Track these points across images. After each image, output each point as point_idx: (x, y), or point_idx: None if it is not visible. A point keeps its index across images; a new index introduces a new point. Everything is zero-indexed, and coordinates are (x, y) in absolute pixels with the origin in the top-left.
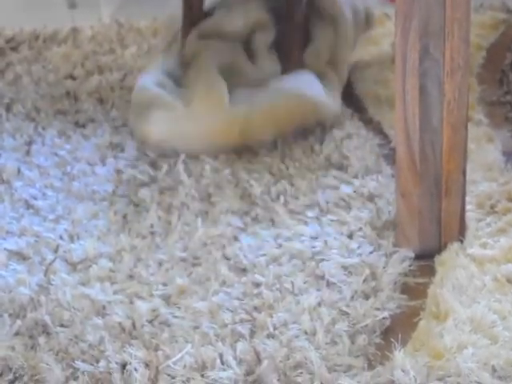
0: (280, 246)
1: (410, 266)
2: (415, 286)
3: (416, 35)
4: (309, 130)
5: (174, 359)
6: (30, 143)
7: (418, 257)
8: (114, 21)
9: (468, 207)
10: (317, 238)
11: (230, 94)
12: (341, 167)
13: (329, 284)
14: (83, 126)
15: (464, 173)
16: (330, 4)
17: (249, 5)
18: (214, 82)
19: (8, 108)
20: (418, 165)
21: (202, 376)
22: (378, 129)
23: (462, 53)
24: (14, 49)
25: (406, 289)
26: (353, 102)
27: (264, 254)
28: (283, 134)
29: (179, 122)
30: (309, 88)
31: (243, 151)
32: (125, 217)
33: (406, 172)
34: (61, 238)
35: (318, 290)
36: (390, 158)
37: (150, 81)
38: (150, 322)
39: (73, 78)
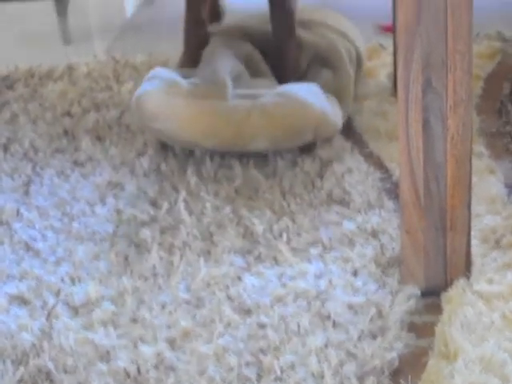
0: (284, 285)
1: (416, 303)
2: (422, 324)
3: (418, 68)
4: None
5: None
6: (28, 183)
7: (424, 294)
8: (109, 57)
9: (473, 242)
10: (321, 276)
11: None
12: (343, 202)
13: (335, 324)
14: (82, 165)
15: (469, 207)
16: (328, 47)
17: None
18: (218, 74)
19: (5, 148)
20: (423, 200)
21: None
22: (378, 162)
23: (464, 85)
24: (10, 87)
25: (413, 327)
26: (352, 135)
27: (268, 294)
28: (278, 144)
29: (176, 109)
30: (313, 98)
31: (243, 189)
32: (126, 258)
33: (410, 207)
34: (62, 280)
35: (325, 330)
36: (392, 192)
37: (161, 71)
38: (155, 366)
39: (70, 115)
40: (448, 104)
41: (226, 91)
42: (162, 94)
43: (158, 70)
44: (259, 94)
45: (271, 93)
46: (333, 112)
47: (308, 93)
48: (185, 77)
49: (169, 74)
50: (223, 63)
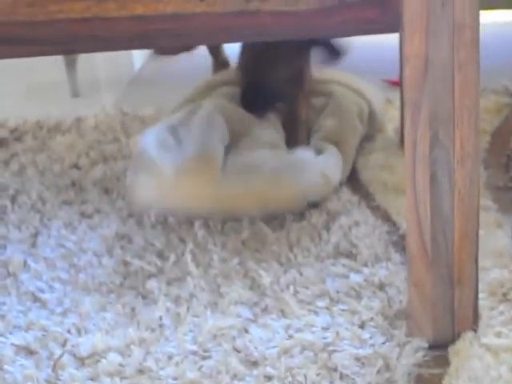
0: (291, 337)
1: (423, 356)
2: (430, 377)
3: (425, 123)
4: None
5: None
6: (35, 235)
7: (431, 347)
8: (117, 110)
9: (480, 295)
10: (328, 328)
11: (229, 153)
12: (350, 255)
13: (342, 376)
14: (89, 217)
15: (476, 261)
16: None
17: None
18: (209, 145)
19: (13, 199)
20: (430, 254)
21: None
22: (385, 216)
23: (471, 141)
24: (18, 139)
25: (420, 380)
26: (359, 188)
27: (275, 346)
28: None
29: (166, 191)
30: (306, 173)
31: (250, 241)
32: (133, 309)
33: (417, 261)
34: (68, 331)
35: (332, 382)
36: (399, 245)
37: (151, 140)
38: None
39: (78, 167)
40: (455, 159)
41: (216, 166)
42: (150, 183)
43: (147, 143)
44: (252, 166)
45: (264, 168)
46: (329, 173)
47: (299, 168)
48: (176, 128)
49: (155, 150)
50: (216, 130)
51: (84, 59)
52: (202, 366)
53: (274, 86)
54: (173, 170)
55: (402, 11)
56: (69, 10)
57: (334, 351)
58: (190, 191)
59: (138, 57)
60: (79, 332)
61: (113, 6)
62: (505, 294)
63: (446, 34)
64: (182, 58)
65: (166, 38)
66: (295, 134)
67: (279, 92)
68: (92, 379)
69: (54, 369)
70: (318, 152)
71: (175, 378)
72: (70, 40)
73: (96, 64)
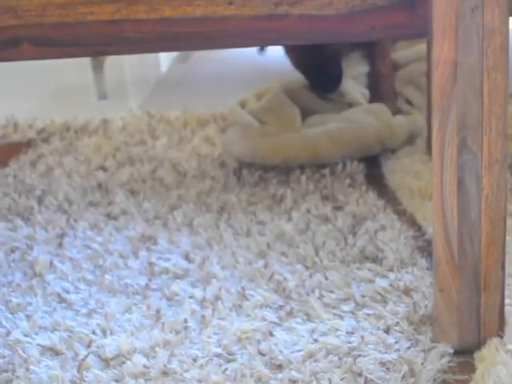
0: (316, 341)
1: (449, 362)
2: (455, 382)
3: (454, 129)
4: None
5: None
6: (62, 236)
7: (456, 352)
8: (144, 112)
9: (506, 301)
10: (353, 332)
11: (304, 119)
12: (375, 260)
13: (367, 381)
14: (115, 219)
15: (503, 267)
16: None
17: None
18: (286, 107)
19: (40, 200)
20: (457, 259)
21: None
22: (411, 220)
23: (499, 147)
24: (46, 140)
25: None
26: (385, 193)
27: (300, 350)
28: (349, 156)
29: (254, 139)
30: (374, 116)
31: (276, 244)
32: (158, 311)
33: (444, 266)
34: (94, 332)
35: None
36: (425, 250)
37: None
38: None
39: (104, 169)
40: (483, 164)
41: (296, 123)
42: (242, 140)
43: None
44: (325, 121)
45: (336, 118)
46: (396, 125)
47: (368, 113)
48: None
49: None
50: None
51: (111, 62)
52: (226, 369)
53: (336, 62)
54: (260, 130)
55: (431, 16)
56: (99, 11)
57: (359, 356)
58: (277, 145)
59: (165, 59)
60: (104, 333)
61: (142, 9)
62: None
63: (476, 40)
64: (209, 61)
65: (195, 41)
66: (378, 91)
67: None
68: (117, 380)
69: (78, 370)
70: None
71: (199, 381)
72: (99, 42)
73: (123, 66)
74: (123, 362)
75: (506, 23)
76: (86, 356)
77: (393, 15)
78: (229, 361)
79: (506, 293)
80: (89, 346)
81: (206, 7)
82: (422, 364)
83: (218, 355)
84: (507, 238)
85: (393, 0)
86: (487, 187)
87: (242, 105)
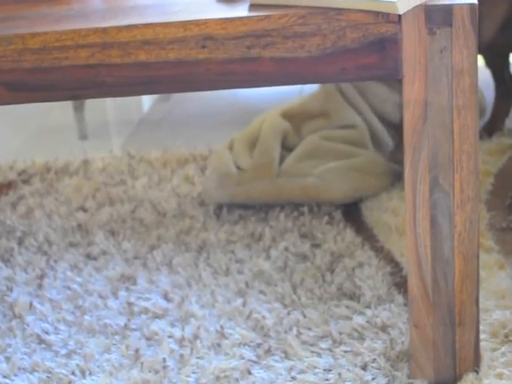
0: (293, 378)
1: None
2: None
3: (425, 167)
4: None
5: None
6: (42, 277)
7: None
8: (124, 152)
9: (482, 336)
10: (330, 370)
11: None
12: (353, 297)
13: None
14: (95, 259)
15: (477, 302)
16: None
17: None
18: (266, 152)
19: (20, 241)
20: (431, 295)
21: None
22: (388, 257)
23: (471, 184)
24: (26, 181)
25: None
26: (363, 229)
27: None
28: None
29: (230, 187)
30: (343, 180)
31: (254, 282)
32: (137, 351)
33: (418, 303)
34: (73, 373)
35: None
36: (402, 286)
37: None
38: None
39: (84, 210)
40: (455, 202)
41: (272, 169)
42: (219, 188)
43: (218, 162)
44: (303, 173)
45: (315, 173)
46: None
47: (339, 175)
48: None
49: (225, 165)
50: (275, 139)
51: (93, 102)
52: None
53: None
54: (236, 178)
55: (402, 57)
56: (74, 56)
57: None
58: (252, 192)
59: (147, 99)
60: (83, 374)
61: (117, 53)
62: (507, 335)
63: (445, 80)
64: (190, 101)
65: (170, 84)
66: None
67: None
68: None
69: None
70: None
71: None
72: (75, 86)
73: (105, 107)
74: None
75: (475, 63)
76: None
77: (364, 57)
78: None
79: (482, 328)
80: None
81: (179, 51)
82: None
83: None
84: (483, 273)
85: (363, 42)
86: (460, 224)
87: (231, 146)
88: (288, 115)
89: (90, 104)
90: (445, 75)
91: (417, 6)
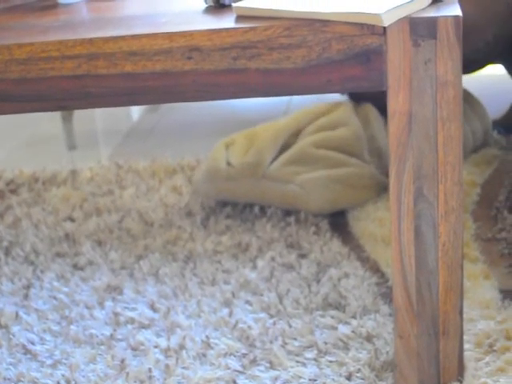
0: None
1: None
2: None
3: (410, 178)
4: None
5: None
6: (28, 287)
7: None
8: (112, 162)
9: (466, 346)
10: (315, 379)
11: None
12: (338, 307)
13: None
14: (82, 269)
15: (461, 313)
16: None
17: None
18: (258, 153)
19: (7, 251)
20: (415, 306)
21: None
22: (374, 267)
23: (455, 195)
24: (14, 191)
25: None
26: (349, 240)
27: None
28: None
29: (218, 182)
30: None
31: (240, 292)
32: (123, 361)
33: (403, 313)
34: None
35: None
36: (387, 296)
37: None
38: None
39: (72, 220)
40: (439, 213)
41: (259, 171)
42: (207, 181)
43: (210, 157)
44: (287, 179)
45: (296, 181)
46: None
47: (320, 186)
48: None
49: (216, 160)
50: (275, 141)
51: (82, 111)
52: None
53: None
54: (225, 173)
55: (386, 69)
56: (60, 67)
57: None
58: (238, 189)
59: (136, 109)
60: None
61: (103, 64)
62: (491, 345)
63: (429, 92)
64: (179, 110)
65: (155, 95)
66: None
67: None
68: None
69: None
70: None
71: None
72: (61, 97)
73: (93, 117)
74: None
75: (459, 75)
76: None
77: (349, 69)
78: None
79: (466, 338)
80: None
81: (165, 62)
82: None
83: None
84: (468, 283)
85: (348, 54)
86: (444, 235)
87: (228, 145)
88: (303, 114)
89: (79, 114)
90: (429, 87)
91: (401, 18)
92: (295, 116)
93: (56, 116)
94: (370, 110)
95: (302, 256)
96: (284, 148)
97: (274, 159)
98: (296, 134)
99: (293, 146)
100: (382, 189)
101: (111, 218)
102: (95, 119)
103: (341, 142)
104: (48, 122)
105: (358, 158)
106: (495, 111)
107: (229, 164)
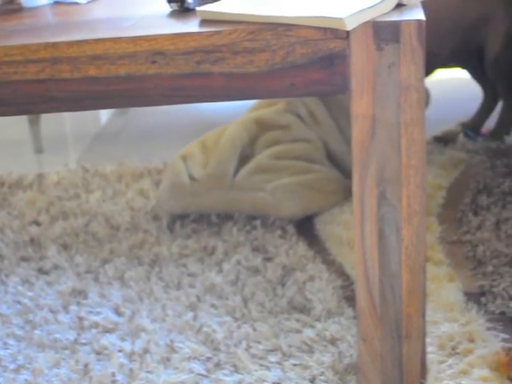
0: None
1: None
2: None
3: (373, 181)
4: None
5: None
6: None
7: None
8: (79, 166)
9: (429, 349)
10: (279, 383)
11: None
12: (303, 310)
13: None
14: (47, 273)
15: (424, 315)
16: None
17: None
18: (221, 164)
19: None
20: (379, 309)
21: None
22: (340, 270)
23: (418, 199)
24: None
25: None
26: (315, 243)
27: None
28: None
29: (183, 198)
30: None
31: (205, 296)
32: (86, 365)
33: (366, 316)
34: None
35: None
36: (352, 299)
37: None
38: None
39: (37, 224)
40: (402, 216)
41: (227, 181)
42: (172, 198)
43: (171, 172)
44: (256, 187)
45: (266, 188)
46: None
47: (290, 192)
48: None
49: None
50: (234, 151)
51: (49, 116)
52: None
53: None
54: (189, 189)
55: (350, 73)
56: (24, 71)
57: None
58: (204, 202)
59: (105, 112)
60: None
61: (66, 68)
62: (454, 348)
63: (393, 96)
64: (147, 114)
65: (119, 99)
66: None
67: None
68: None
69: None
70: None
71: None
72: (25, 101)
73: (61, 120)
74: None
75: (422, 79)
76: None
77: (312, 73)
78: None
79: (429, 340)
80: None
81: (129, 66)
82: None
83: None
84: (432, 286)
85: (312, 58)
86: (407, 238)
87: (184, 158)
88: (251, 123)
89: (46, 117)
90: (392, 91)
91: (365, 23)
92: (241, 121)
93: (23, 119)
94: (316, 105)
95: (268, 259)
96: (243, 158)
97: (237, 169)
98: (251, 144)
99: (253, 157)
100: (349, 192)
101: (77, 221)
102: (63, 123)
103: (301, 152)
104: (15, 125)
105: (321, 163)
106: (463, 115)
107: (192, 178)
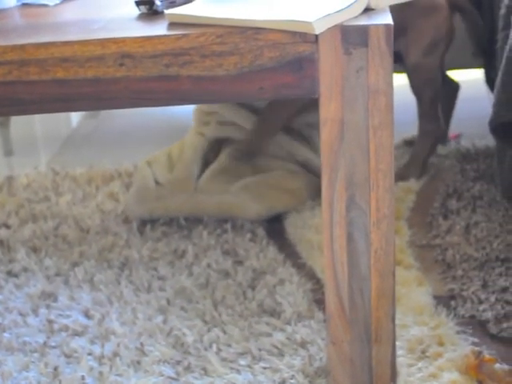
0: None
1: None
2: None
3: (342, 185)
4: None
5: None
6: None
7: None
8: (49, 168)
9: (399, 352)
10: None
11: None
12: (273, 313)
13: None
14: (16, 276)
15: (393, 319)
16: None
17: None
18: (185, 167)
19: None
20: (348, 312)
21: None
22: (310, 274)
23: (387, 202)
24: None
25: None
26: (286, 247)
27: None
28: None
29: (149, 202)
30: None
31: (175, 299)
32: (56, 369)
33: (336, 319)
34: None
35: None
36: (322, 302)
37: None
38: None
39: (7, 226)
40: (371, 220)
41: (191, 184)
42: (139, 202)
43: (138, 177)
44: (221, 189)
45: (232, 190)
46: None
47: (254, 192)
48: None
49: (144, 180)
50: (195, 154)
51: (19, 117)
52: None
53: None
54: (155, 193)
55: (319, 77)
56: None
57: None
58: (170, 206)
59: (75, 115)
60: None
61: (34, 70)
62: (423, 351)
63: (361, 100)
64: (118, 116)
65: (88, 102)
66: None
67: None
68: None
69: None
70: None
71: None
72: None
73: (32, 122)
74: None
75: (391, 83)
76: None
77: (281, 76)
78: None
79: (399, 344)
80: None
81: (97, 68)
82: None
83: None
84: (402, 290)
85: (281, 61)
86: (376, 242)
87: (150, 163)
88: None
89: (16, 119)
90: (361, 95)
91: (333, 26)
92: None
93: None
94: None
95: (238, 263)
96: (207, 161)
97: (201, 172)
98: (210, 146)
99: (215, 158)
100: (317, 191)
101: (47, 224)
102: (33, 125)
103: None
104: None
105: (284, 160)
106: None
107: (157, 183)
